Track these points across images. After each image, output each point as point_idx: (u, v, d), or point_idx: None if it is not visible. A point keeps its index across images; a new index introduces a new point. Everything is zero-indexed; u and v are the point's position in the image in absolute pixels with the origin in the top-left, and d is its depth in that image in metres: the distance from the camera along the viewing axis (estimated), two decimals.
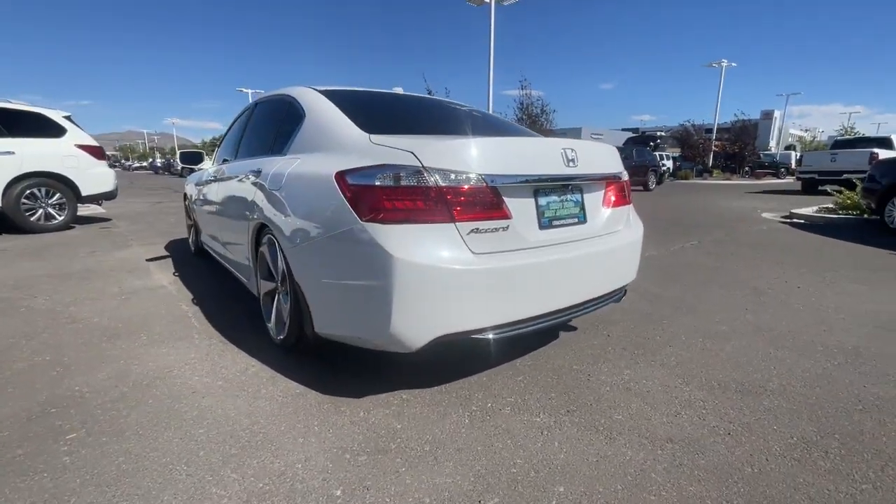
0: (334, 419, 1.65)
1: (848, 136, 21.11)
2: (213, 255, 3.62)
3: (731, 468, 1.39)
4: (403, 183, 1.49)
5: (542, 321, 1.74)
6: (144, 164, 62.08)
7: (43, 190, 5.90)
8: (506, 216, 1.61)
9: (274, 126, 2.49)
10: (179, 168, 33.16)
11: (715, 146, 26.07)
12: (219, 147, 3.70)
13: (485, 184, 1.56)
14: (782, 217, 7.79)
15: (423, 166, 1.50)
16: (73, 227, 6.35)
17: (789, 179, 22.95)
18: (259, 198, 2.16)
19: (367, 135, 1.76)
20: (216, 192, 3.04)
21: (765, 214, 8.18)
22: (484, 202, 1.57)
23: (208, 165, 3.68)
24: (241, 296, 3.09)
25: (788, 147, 42.74)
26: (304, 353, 2.09)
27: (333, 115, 2.00)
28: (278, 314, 2.17)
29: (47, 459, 1.42)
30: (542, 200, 1.75)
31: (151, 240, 5.46)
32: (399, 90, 2.75)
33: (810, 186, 13.33)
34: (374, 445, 1.50)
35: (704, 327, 2.56)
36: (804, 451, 1.47)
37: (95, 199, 6.52)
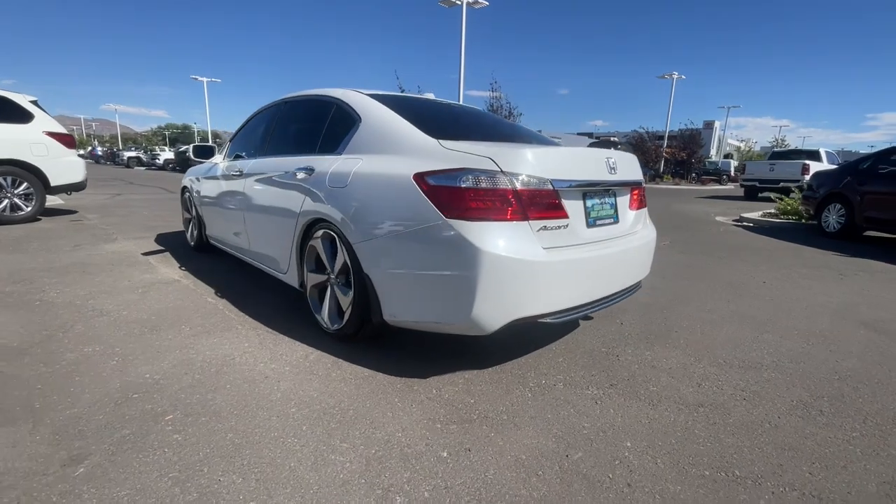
0: (412, 396, 1.82)
1: (783, 149, 23.25)
2: (227, 250, 3.63)
3: (755, 424, 1.70)
4: (485, 185, 1.70)
5: (588, 308, 2.00)
6: (82, 152, 57.59)
7: (9, 179, 5.54)
8: (565, 216, 1.86)
9: (317, 126, 2.59)
10: (125, 158, 31.13)
11: (665, 153, 27.78)
12: (230, 142, 3.70)
13: (551, 187, 1.80)
14: (734, 220, 8.59)
15: (502, 171, 1.71)
16: (40, 219, 5.99)
17: (730, 186, 24.92)
18: (314, 194, 2.28)
19: (435, 140, 1.95)
20: (240, 188, 3.07)
21: (718, 218, 8.97)
22: (550, 203, 1.80)
23: (219, 160, 3.68)
24: (266, 289, 3.16)
25: (727, 156, 46.25)
26: (361, 341, 2.24)
27: (394, 119, 2.16)
28: (333, 305, 2.30)
29: (158, 437, 1.52)
30: (589, 202, 2.01)
31: (135, 234, 5.28)
32: (430, 96, 2.93)
33: (752, 192, 14.66)
34: (458, 416, 1.69)
35: (699, 315, 2.93)
36: (804, 410, 1.82)
37: (65, 189, 6.17)
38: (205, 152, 3.62)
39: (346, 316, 2.18)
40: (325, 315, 2.35)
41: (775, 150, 20.38)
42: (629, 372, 2.10)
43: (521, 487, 1.34)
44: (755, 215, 8.82)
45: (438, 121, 2.32)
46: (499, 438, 1.57)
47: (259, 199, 2.86)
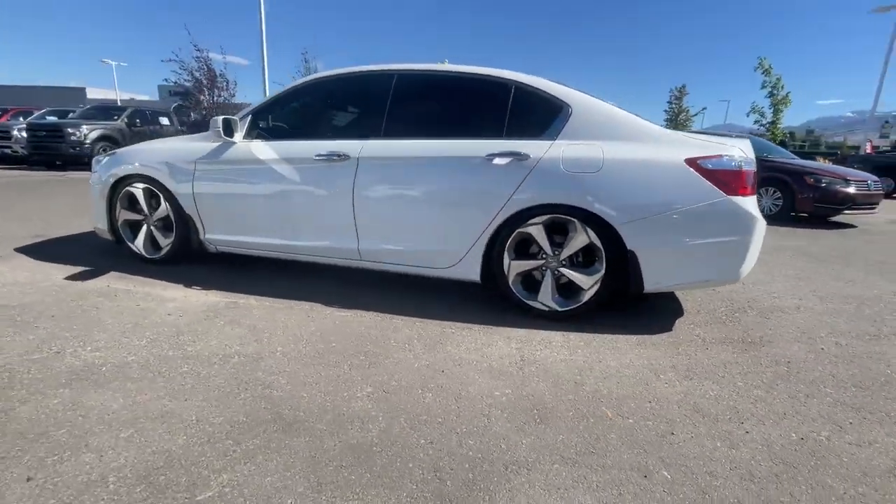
0: (685, 342, 2.23)
1: None
2: (264, 254, 2.87)
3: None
4: (748, 167, 2.19)
5: None
6: None
7: None
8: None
9: (489, 108, 2.52)
10: None
11: None
12: (251, 118, 2.82)
13: (756, 168, 2.42)
14: None
15: (749, 156, 2.23)
16: None
17: None
18: (539, 181, 2.25)
19: (672, 130, 2.30)
20: (350, 175, 2.51)
21: None
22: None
23: (238, 140, 2.76)
24: (373, 286, 2.73)
25: None
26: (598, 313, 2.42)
27: (609, 108, 2.37)
28: (553, 287, 2.37)
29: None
30: None
31: None
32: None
33: None
34: (733, 347, 2.20)
35: None
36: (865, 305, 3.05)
37: None
38: (231, 128, 2.66)
39: (590, 294, 2.32)
40: (546, 298, 2.38)
41: None
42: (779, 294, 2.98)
43: (846, 368, 2.01)
44: None
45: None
46: (777, 351, 2.18)
47: (411, 188, 2.49)
